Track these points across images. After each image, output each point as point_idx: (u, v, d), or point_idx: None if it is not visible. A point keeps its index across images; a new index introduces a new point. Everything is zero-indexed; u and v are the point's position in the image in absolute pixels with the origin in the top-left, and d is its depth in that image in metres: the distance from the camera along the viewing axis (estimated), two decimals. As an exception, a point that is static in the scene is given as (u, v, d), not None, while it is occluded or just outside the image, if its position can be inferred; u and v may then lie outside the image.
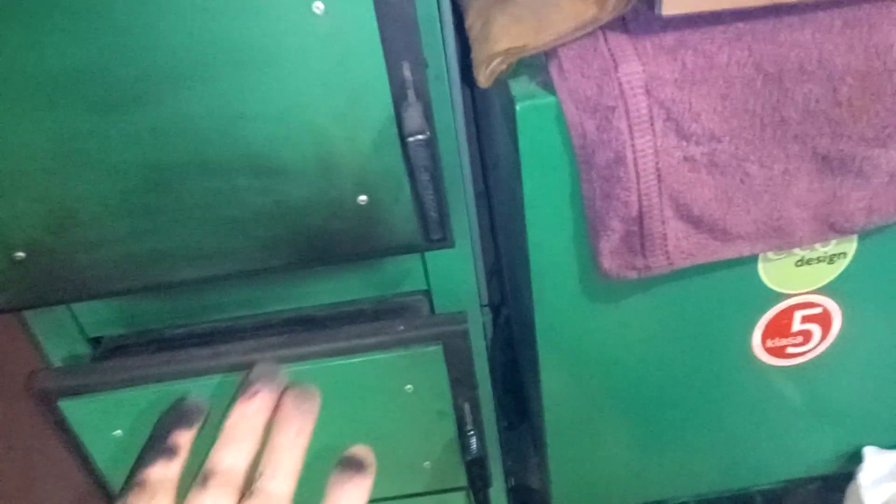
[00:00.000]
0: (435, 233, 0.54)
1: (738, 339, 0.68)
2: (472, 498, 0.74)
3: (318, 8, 0.45)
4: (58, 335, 0.67)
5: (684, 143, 0.53)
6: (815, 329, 0.68)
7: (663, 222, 0.56)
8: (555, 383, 0.72)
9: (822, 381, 0.73)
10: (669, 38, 0.51)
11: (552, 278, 0.63)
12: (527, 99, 0.54)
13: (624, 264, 0.58)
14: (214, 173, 0.51)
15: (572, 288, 0.64)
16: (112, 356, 0.67)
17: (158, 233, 0.53)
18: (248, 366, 0.38)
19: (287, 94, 0.48)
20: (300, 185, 0.52)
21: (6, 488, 0.64)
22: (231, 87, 0.47)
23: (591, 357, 0.70)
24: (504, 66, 0.54)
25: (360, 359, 0.64)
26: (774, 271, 0.63)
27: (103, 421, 0.65)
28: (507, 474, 0.89)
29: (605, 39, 0.52)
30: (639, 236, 0.56)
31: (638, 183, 0.53)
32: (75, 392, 0.63)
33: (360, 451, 0.35)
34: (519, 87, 0.55)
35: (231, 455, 0.33)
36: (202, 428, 0.36)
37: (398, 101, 0.49)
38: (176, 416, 0.36)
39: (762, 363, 0.70)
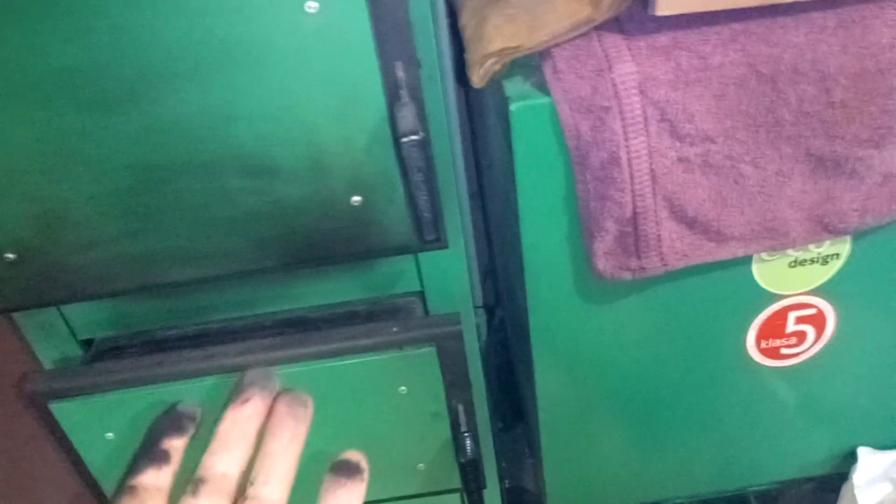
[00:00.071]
0: (428, 233, 0.54)
1: (732, 340, 0.69)
2: (467, 500, 0.74)
3: (310, 7, 0.44)
4: (49, 337, 0.66)
5: (678, 144, 0.53)
6: (809, 330, 0.68)
7: (657, 223, 0.56)
8: (549, 384, 0.72)
9: (816, 381, 0.73)
10: (664, 39, 0.51)
11: (546, 279, 0.63)
12: (521, 99, 0.54)
13: (618, 265, 0.58)
14: (207, 173, 0.50)
15: (567, 289, 0.64)
16: (104, 358, 0.67)
17: (150, 233, 0.53)
18: (242, 368, 0.38)
19: (280, 93, 0.48)
20: (293, 186, 0.52)
21: (-3, 491, 0.63)
22: (223, 86, 0.47)
23: (585, 358, 0.70)
24: (498, 67, 0.54)
25: (354, 360, 0.63)
26: (768, 272, 0.63)
27: (95, 423, 0.64)
28: (502, 476, 0.89)
29: (600, 40, 0.52)
30: (633, 237, 0.56)
31: (632, 184, 0.53)
32: (67, 394, 0.63)
33: (353, 455, 0.35)
34: (513, 87, 0.55)
35: (223, 461, 0.33)
36: (194, 435, 0.36)
37: (391, 101, 0.49)
38: (168, 422, 0.36)
39: (756, 364, 0.70)
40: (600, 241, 0.57)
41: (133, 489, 0.32)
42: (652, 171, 0.53)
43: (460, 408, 0.68)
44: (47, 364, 0.68)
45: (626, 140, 0.52)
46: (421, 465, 0.73)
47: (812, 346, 0.70)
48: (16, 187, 0.50)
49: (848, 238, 0.62)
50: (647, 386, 0.72)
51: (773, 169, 0.55)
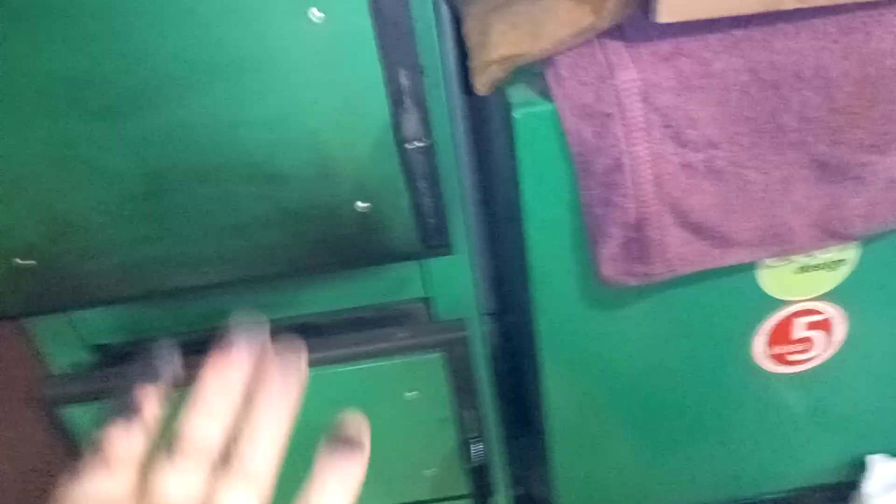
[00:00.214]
0: (433, 239, 0.54)
1: (739, 347, 0.68)
2: (474, 506, 0.74)
3: (315, 15, 0.45)
4: (59, 343, 0.67)
5: (682, 150, 0.53)
6: (818, 336, 0.68)
7: (662, 229, 0.56)
8: (557, 391, 0.72)
9: (826, 388, 0.72)
10: (666, 46, 0.52)
11: (552, 285, 0.63)
12: (525, 106, 0.54)
13: (623, 271, 0.58)
14: (213, 180, 0.51)
15: (572, 295, 0.64)
16: (115, 363, 0.67)
17: (158, 240, 0.54)
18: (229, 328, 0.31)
19: (285, 101, 0.48)
20: (299, 192, 0.52)
21: (9, 496, 0.64)
22: (229, 94, 0.48)
23: (592, 364, 0.70)
24: (502, 74, 0.54)
25: (361, 366, 0.63)
26: (774, 278, 0.63)
27: (105, 428, 0.65)
28: (513, 483, 0.89)
29: (602, 47, 0.52)
30: (638, 243, 0.56)
31: (635, 189, 0.53)
32: (78, 399, 0.63)
33: (353, 424, 0.30)
34: (517, 94, 0.56)
35: (204, 423, 0.28)
36: (173, 385, 0.31)
37: (396, 107, 0.49)
38: (139, 368, 0.30)
39: (765, 371, 0.70)
40: (605, 247, 0.57)
41: (101, 451, 0.27)
42: (655, 176, 0.53)
43: (467, 414, 0.68)
44: (58, 369, 0.69)
45: (628, 146, 0.52)
46: (428, 471, 0.73)
47: (821, 352, 0.69)
48: (24, 194, 0.51)
49: (856, 244, 0.61)
50: (655, 392, 0.72)
51: (778, 175, 0.54)
